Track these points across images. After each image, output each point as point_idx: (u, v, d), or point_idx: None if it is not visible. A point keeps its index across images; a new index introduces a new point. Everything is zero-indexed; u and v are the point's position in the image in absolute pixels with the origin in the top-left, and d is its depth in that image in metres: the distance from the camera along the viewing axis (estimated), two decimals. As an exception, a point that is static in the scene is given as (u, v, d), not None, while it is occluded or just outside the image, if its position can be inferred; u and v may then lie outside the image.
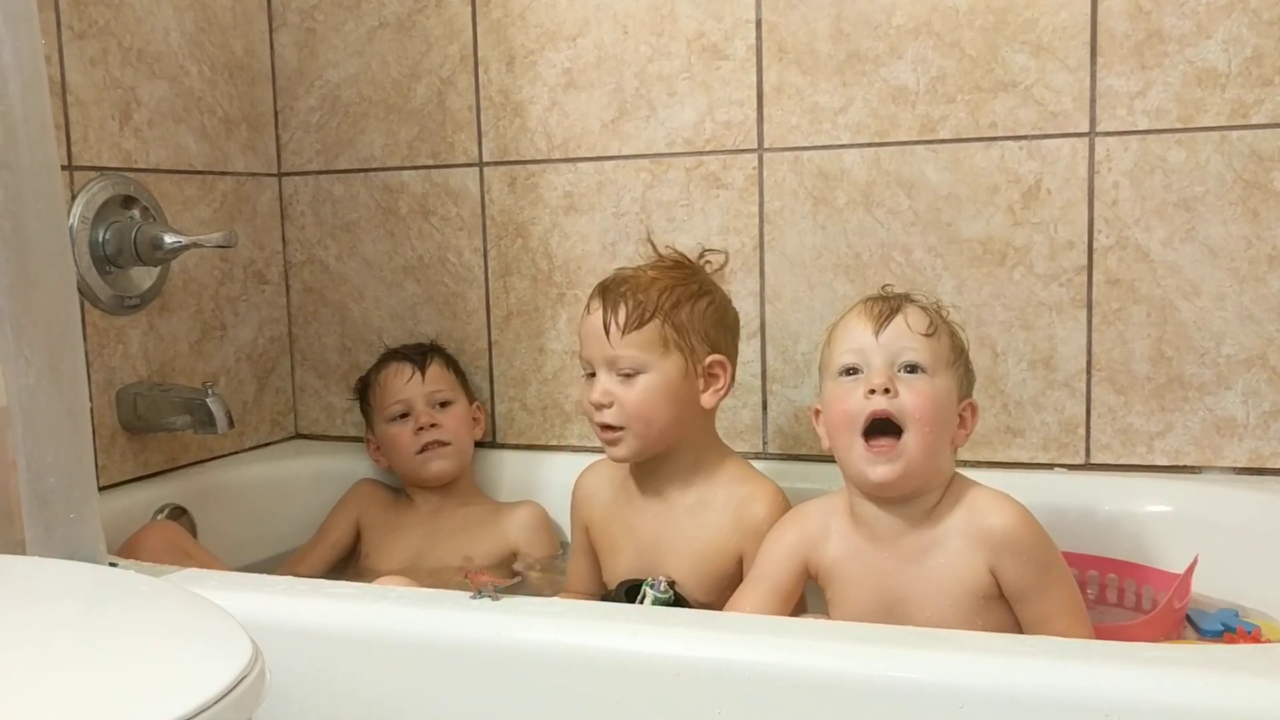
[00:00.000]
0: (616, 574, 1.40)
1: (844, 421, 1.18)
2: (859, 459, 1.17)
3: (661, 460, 1.37)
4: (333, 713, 1.07)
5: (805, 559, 1.25)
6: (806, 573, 1.25)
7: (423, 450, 1.61)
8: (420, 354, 1.68)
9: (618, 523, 1.41)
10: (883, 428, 1.17)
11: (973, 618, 1.15)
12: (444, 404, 1.64)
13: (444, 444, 1.62)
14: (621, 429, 1.33)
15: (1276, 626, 1.29)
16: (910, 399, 1.16)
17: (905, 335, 1.18)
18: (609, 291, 1.35)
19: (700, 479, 1.37)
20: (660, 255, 1.41)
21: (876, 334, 1.19)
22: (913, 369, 1.18)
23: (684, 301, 1.35)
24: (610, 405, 1.33)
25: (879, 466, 1.16)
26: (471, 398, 1.71)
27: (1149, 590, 1.38)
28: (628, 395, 1.32)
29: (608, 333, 1.33)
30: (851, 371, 1.20)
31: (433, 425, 1.61)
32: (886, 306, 1.21)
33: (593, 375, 1.36)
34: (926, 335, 1.19)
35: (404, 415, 1.63)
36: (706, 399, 1.35)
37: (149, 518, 1.54)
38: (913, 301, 1.23)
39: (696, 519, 1.36)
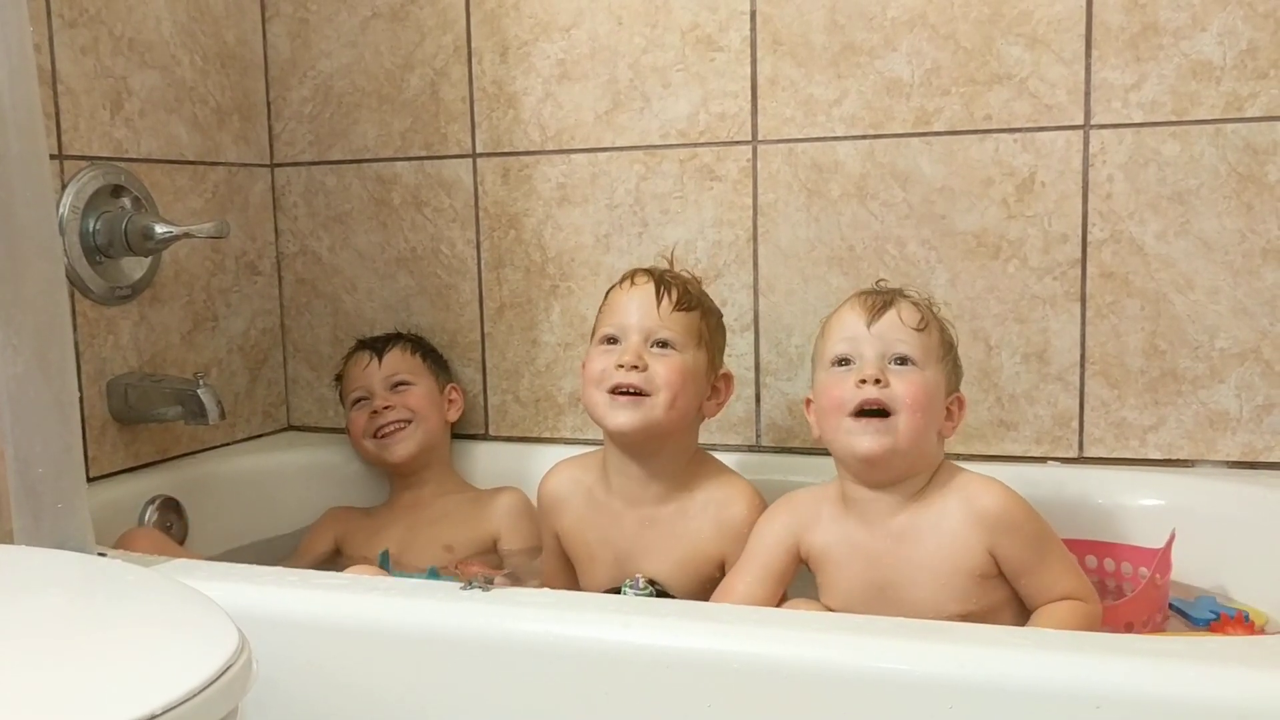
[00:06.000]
0: (595, 581, 1.38)
1: (834, 406, 1.20)
2: (846, 433, 1.19)
3: (644, 461, 1.35)
4: (321, 703, 1.07)
5: (797, 542, 1.26)
6: (798, 557, 1.26)
7: (378, 434, 1.62)
8: (381, 341, 1.68)
9: (593, 531, 1.39)
10: (872, 413, 1.18)
11: (965, 596, 1.16)
12: (401, 386, 1.64)
13: (403, 424, 1.62)
14: (646, 395, 1.31)
15: (1262, 612, 1.29)
16: (901, 387, 1.18)
17: (897, 328, 1.20)
18: (658, 272, 1.38)
19: (679, 485, 1.36)
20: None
21: (869, 325, 1.21)
22: (903, 361, 1.20)
23: (712, 312, 1.40)
24: (643, 369, 1.32)
25: (866, 438, 1.17)
26: (444, 381, 1.71)
27: (1128, 567, 1.38)
28: (659, 365, 1.32)
29: (659, 303, 1.34)
30: (844, 362, 1.22)
31: (386, 407, 1.62)
32: (879, 300, 1.23)
33: (611, 343, 1.35)
34: (918, 329, 1.21)
35: (362, 400, 1.65)
36: (709, 407, 1.38)
37: (140, 508, 1.54)
38: (905, 296, 1.25)
39: (676, 526, 1.35)
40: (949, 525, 1.18)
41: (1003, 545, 1.16)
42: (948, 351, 1.23)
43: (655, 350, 1.33)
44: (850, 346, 1.21)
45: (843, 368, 1.21)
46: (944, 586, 1.17)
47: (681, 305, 1.35)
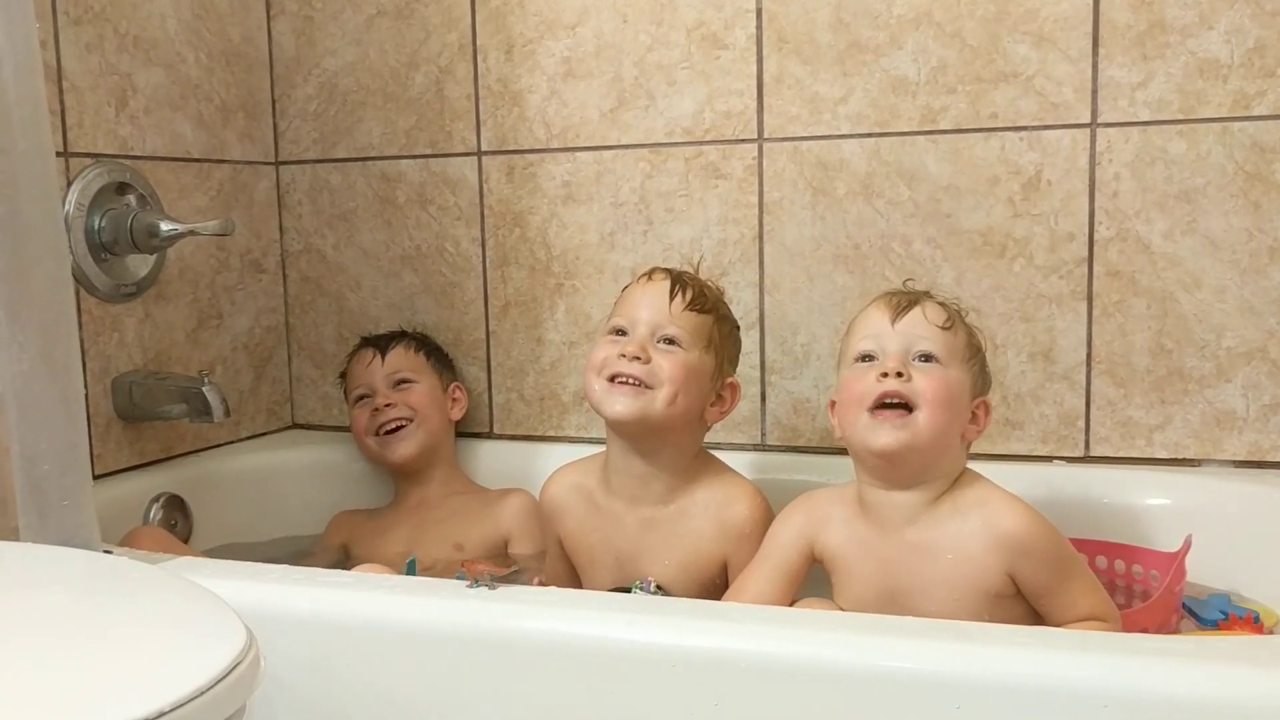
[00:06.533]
0: (597, 585, 1.38)
1: (854, 401, 1.19)
2: (864, 428, 1.18)
3: (644, 457, 1.35)
4: (328, 700, 1.07)
5: (811, 542, 1.25)
6: (812, 555, 1.26)
7: (379, 432, 1.62)
8: (385, 339, 1.68)
9: (595, 535, 1.39)
10: (892, 407, 1.17)
11: (979, 613, 1.15)
12: (404, 384, 1.64)
13: (404, 422, 1.62)
14: (648, 387, 1.31)
15: (1272, 612, 1.29)
16: (922, 382, 1.17)
17: (921, 325, 1.20)
18: (677, 272, 1.38)
19: (680, 485, 1.35)
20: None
21: (893, 323, 1.20)
22: (927, 358, 1.19)
23: (727, 320, 1.39)
24: (645, 361, 1.31)
25: (884, 433, 1.16)
26: (449, 380, 1.70)
27: (1139, 569, 1.38)
28: (664, 360, 1.32)
29: (671, 300, 1.33)
30: (867, 358, 1.21)
31: (388, 405, 1.62)
32: (906, 299, 1.23)
33: (620, 335, 1.35)
34: (943, 328, 1.20)
35: (365, 398, 1.65)
36: (711, 413, 1.37)
37: (144, 506, 1.54)
38: (932, 297, 1.24)
39: (677, 528, 1.35)
40: (966, 544, 1.16)
41: (1022, 569, 1.14)
42: (974, 355, 1.22)
43: (661, 346, 1.33)
44: (874, 343, 1.20)
45: (865, 363, 1.21)
46: (958, 602, 1.15)
47: (694, 306, 1.34)
